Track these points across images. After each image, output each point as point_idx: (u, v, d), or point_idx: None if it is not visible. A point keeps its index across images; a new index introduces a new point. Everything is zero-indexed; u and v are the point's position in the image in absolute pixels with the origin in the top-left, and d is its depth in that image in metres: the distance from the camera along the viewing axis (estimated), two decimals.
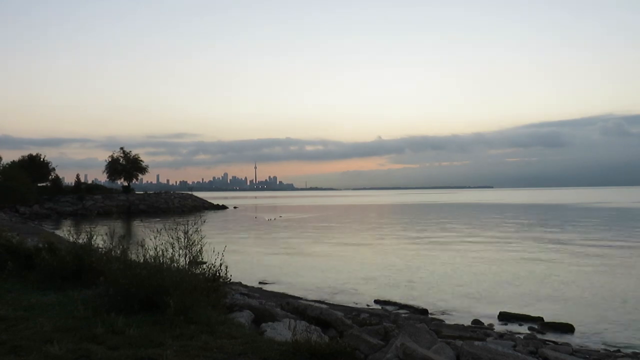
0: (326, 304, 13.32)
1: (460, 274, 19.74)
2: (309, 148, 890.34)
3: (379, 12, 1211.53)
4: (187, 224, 7.77)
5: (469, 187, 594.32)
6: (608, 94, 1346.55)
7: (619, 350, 10.53)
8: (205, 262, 7.98)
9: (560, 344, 10.60)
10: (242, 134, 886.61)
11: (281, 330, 6.80)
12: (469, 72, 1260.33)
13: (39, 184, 67.63)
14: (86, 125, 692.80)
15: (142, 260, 7.28)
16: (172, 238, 7.51)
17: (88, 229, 9.72)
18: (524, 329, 12.31)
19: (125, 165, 78.77)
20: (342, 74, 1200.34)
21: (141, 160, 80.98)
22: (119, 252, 8.81)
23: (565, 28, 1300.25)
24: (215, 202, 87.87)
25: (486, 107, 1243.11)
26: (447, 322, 12.83)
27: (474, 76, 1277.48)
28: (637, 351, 10.50)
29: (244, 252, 26.32)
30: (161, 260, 7.12)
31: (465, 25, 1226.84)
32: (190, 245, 7.56)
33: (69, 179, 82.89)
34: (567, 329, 12.17)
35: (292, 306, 9.73)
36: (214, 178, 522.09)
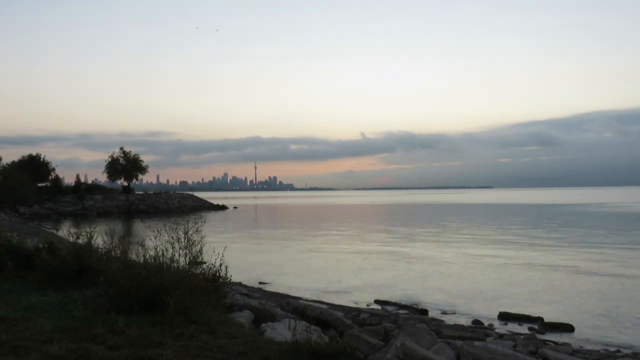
0: (326, 304, 13.33)
1: (461, 274, 19.74)
2: (293, 147, 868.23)
3: (363, 11, 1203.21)
4: (187, 224, 7.78)
5: (469, 187, 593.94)
6: (597, 92, 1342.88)
7: (619, 350, 10.53)
8: (205, 262, 7.99)
9: (560, 344, 10.59)
10: (223, 133, 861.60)
11: (281, 330, 6.81)
12: (454, 70, 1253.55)
13: (39, 184, 67.64)
14: (57, 122, 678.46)
15: (142, 260, 7.30)
16: (172, 238, 7.52)
17: (88, 229, 9.73)
18: (524, 329, 12.29)
19: (125, 165, 78.91)
20: (322, 71, 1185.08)
21: (141, 160, 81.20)
22: (119, 252, 8.84)
23: (553, 29, 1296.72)
24: (215, 202, 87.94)
25: (473, 105, 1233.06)
26: (447, 322, 12.83)
27: (460, 75, 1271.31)
28: (637, 351, 10.50)
29: (244, 252, 26.31)
30: (161, 260, 7.14)
31: (454, 24, 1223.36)
32: (190, 245, 7.57)
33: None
34: (567, 329, 12.17)
35: (292, 306, 9.72)
36: (214, 178, 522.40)
